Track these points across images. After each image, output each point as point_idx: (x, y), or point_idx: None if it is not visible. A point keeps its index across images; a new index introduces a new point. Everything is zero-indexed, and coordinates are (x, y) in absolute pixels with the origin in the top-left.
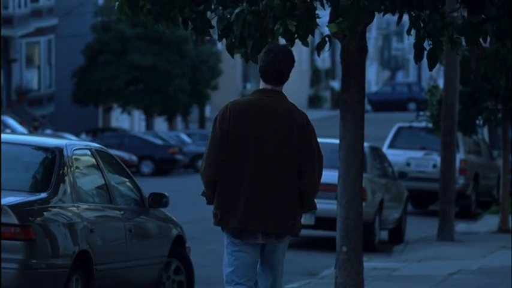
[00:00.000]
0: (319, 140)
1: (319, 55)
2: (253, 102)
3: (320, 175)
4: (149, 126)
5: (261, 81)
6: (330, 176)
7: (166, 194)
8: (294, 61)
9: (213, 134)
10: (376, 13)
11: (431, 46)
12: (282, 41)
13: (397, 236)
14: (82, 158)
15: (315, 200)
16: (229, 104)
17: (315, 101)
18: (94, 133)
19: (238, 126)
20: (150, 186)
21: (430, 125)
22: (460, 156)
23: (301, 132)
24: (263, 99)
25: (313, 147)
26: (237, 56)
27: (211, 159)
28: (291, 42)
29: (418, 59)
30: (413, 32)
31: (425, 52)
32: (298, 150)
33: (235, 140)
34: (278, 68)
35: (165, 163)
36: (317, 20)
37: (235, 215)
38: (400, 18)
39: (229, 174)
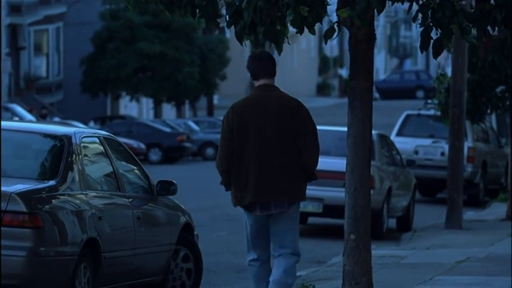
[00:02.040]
0: (327, 127)
1: (326, 43)
2: (250, 98)
3: (317, 149)
4: (157, 114)
5: (255, 82)
6: (338, 163)
7: (174, 181)
8: (275, 60)
9: (222, 132)
10: None
11: (438, 35)
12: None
13: (405, 223)
14: (90, 145)
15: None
16: (231, 105)
17: (323, 89)
18: (102, 121)
19: (240, 119)
20: (158, 173)
21: (438, 113)
22: (468, 144)
23: (295, 114)
24: (259, 93)
25: (307, 125)
26: (245, 44)
27: (222, 151)
28: (300, 30)
29: (424, 47)
30: (420, 20)
31: (432, 41)
32: (295, 129)
33: (239, 131)
34: (266, 64)
35: (173, 151)
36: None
37: (249, 193)
38: (410, 7)
39: (239, 160)
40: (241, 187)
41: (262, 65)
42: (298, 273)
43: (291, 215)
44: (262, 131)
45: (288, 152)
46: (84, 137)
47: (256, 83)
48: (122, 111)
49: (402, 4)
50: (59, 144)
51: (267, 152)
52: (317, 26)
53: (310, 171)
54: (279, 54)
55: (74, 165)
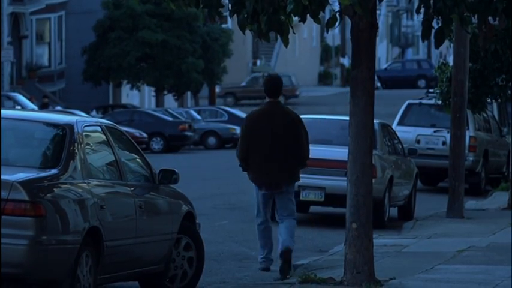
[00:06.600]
0: (327, 116)
1: (327, 32)
2: (264, 109)
3: (308, 148)
4: (159, 102)
5: (266, 97)
6: (339, 152)
7: (176, 170)
8: (282, 82)
9: (242, 131)
10: None
11: (439, 24)
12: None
13: (406, 212)
14: (92, 134)
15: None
16: (249, 112)
17: (325, 78)
18: (104, 110)
19: (256, 124)
20: (160, 162)
21: (440, 102)
22: (469, 133)
23: (295, 123)
24: (269, 107)
25: (303, 132)
26: (247, 33)
27: (241, 146)
28: (303, 19)
29: (425, 37)
30: (422, 10)
31: (433, 30)
32: (294, 134)
33: (255, 132)
34: (277, 87)
35: (175, 139)
36: None
37: (261, 176)
38: None
39: (254, 152)
40: (256, 171)
41: (274, 88)
42: (299, 262)
43: (290, 192)
44: (272, 133)
45: (289, 149)
46: (86, 125)
47: (267, 99)
48: (124, 100)
49: None
50: (61, 133)
51: (275, 149)
52: (320, 15)
53: (304, 163)
54: (286, 46)
55: (76, 154)
